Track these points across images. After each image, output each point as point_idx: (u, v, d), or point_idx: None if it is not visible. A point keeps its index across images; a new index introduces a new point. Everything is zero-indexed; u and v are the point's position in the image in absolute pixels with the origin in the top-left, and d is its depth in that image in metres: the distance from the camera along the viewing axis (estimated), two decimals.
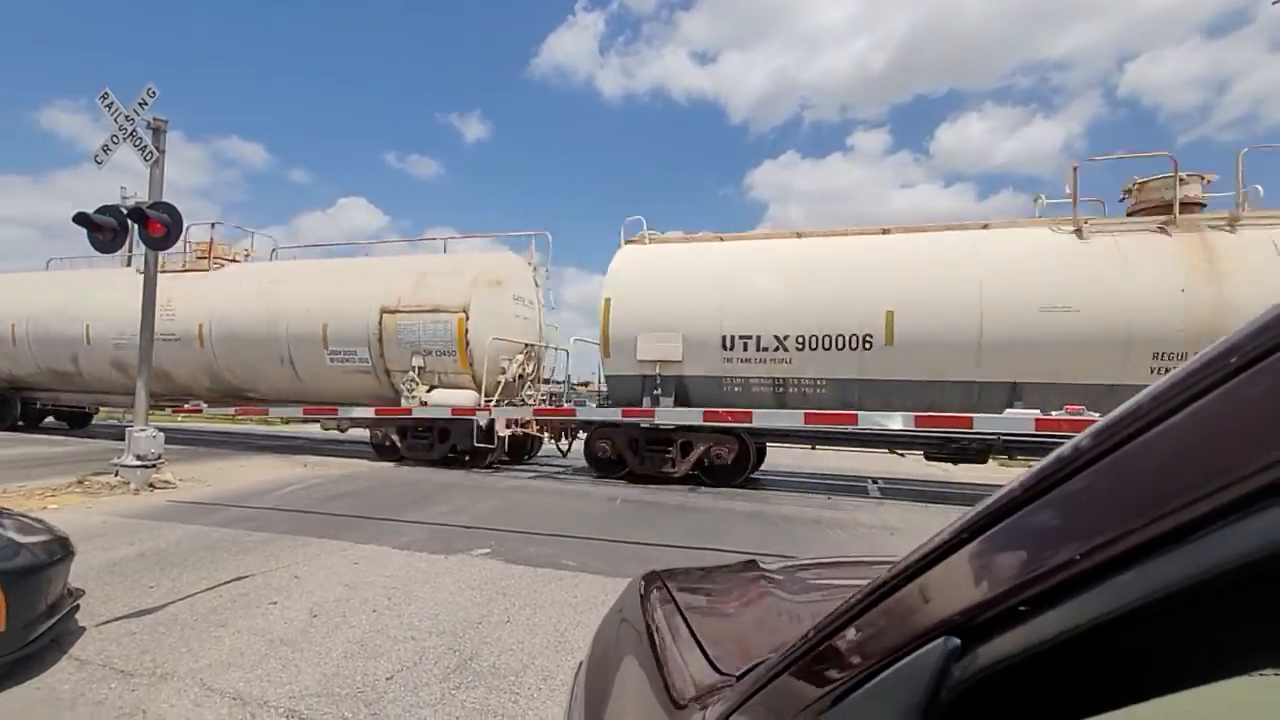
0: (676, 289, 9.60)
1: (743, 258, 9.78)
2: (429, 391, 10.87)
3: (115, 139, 8.17)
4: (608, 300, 9.90)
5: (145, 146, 8.16)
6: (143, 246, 8.63)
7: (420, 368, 10.94)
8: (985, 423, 8.04)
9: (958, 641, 0.44)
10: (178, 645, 3.21)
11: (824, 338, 8.78)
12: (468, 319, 10.66)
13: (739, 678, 0.81)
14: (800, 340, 8.86)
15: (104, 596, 3.82)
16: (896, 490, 9.85)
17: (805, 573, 1.52)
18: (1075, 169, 8.77)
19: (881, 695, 0.50)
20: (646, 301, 9.71)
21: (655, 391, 9.50)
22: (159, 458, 8.02)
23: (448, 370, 10.96)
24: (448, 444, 10.77)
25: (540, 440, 11.67)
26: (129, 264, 13.80)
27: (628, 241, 10.66)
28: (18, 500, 6.35)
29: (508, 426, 10.51)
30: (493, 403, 10.47)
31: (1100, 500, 0.40)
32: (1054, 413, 7.85)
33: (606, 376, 10.36)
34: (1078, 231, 8.37)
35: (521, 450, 11.86)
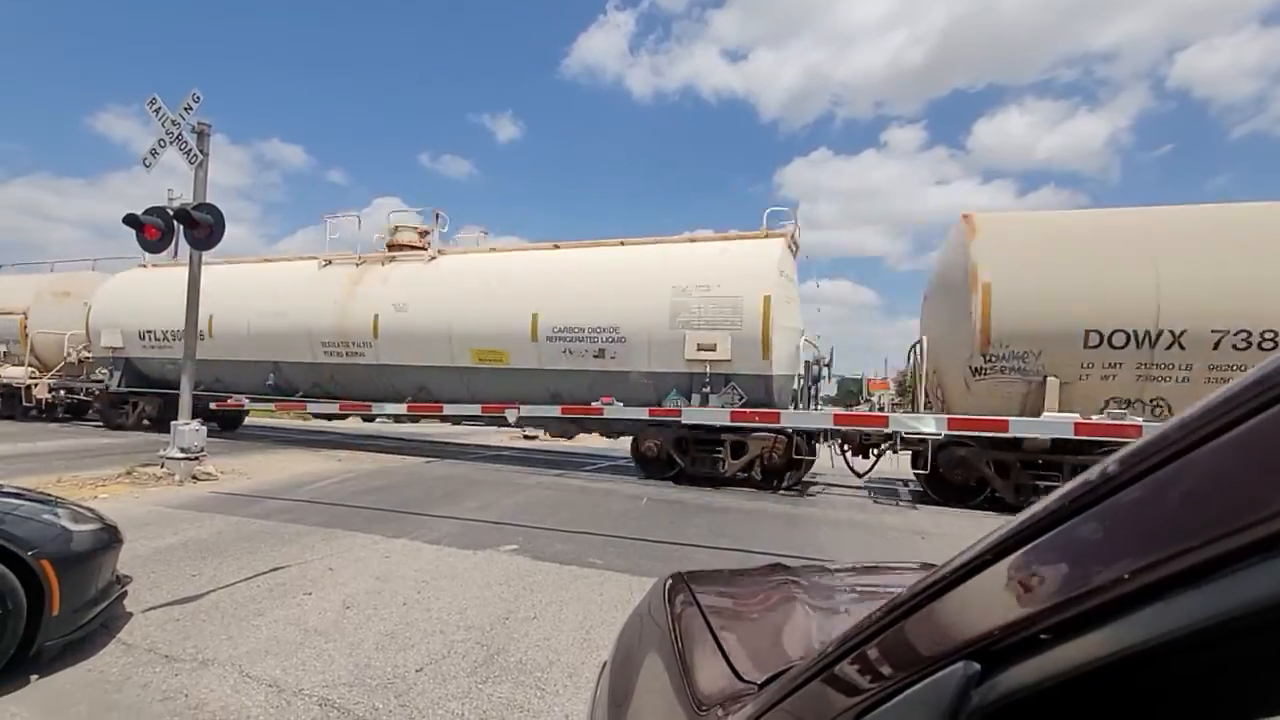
0: None
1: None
2: None
3: (162, 143, 8.48)
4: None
5: (190, 150, 8.45)
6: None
7: None
8: (1021, 425, 7.84)
9: (978, 666, 0.43)
10: (218, 632, 3.32)
11: None
12: None
13: (761, 685, 0.81)
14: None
15: (150, 583, 3.97)
16: (925, 493, 9.66)
17: (831, 577, 1.50)
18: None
19: (901, 716, 0.49)
20: None
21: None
22: (202, 450, 8.31)
23: None
24: None
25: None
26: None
27: None
28: (70, 490, 6.64)
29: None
30: None
31: (1125, 529, 0.39)
32: (1095, 417, 7.63)
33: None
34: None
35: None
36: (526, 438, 17.03)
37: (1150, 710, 0.40)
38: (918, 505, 8.63)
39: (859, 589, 1.42)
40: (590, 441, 14.08)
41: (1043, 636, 0.40)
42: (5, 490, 3.07)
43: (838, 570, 1.60)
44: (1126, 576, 0.36)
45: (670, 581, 1.44)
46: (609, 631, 3.48)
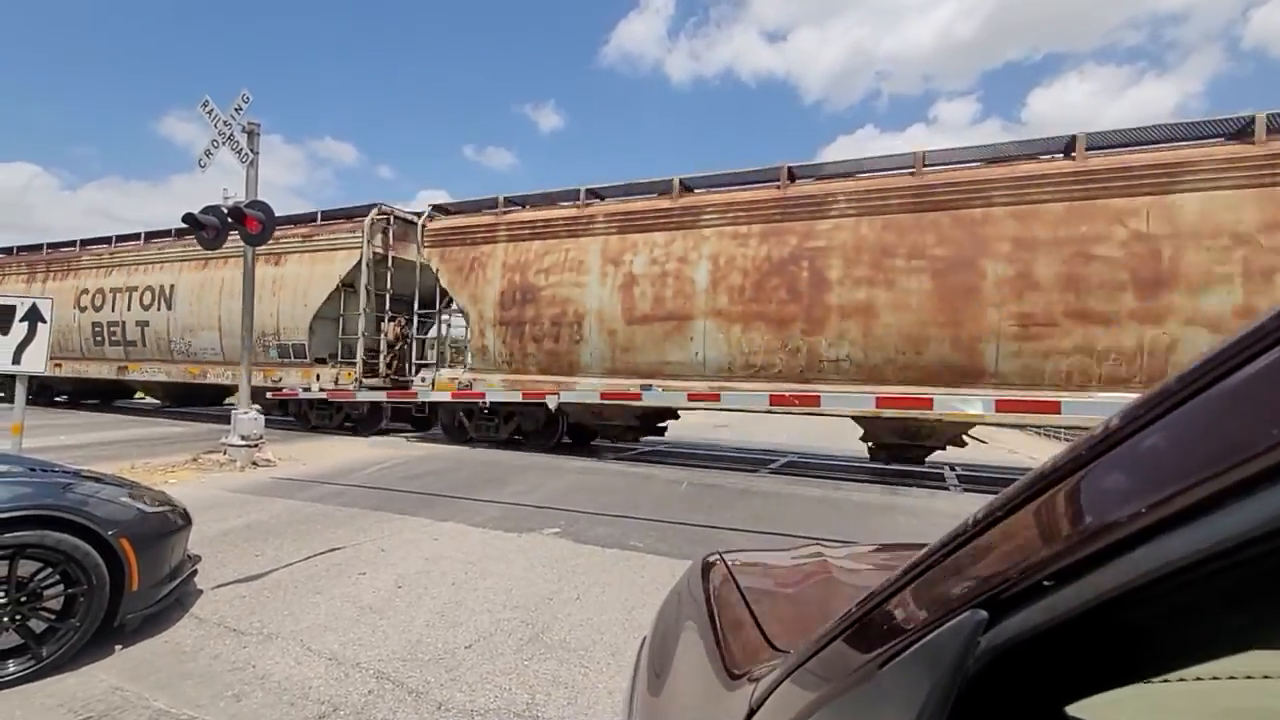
0: None
1: None
2: None
3: (215, 143, 8.84)
4: None
5: (241, 149, 8.79)
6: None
7: None
8: (1075, 406, 7.52)
9: (985, 614, 0.47)
10: (280, 609, 3.51)
11: None
12: None
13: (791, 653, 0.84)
14: None
15: (217, 562, 4.22)
16: (977, 478, 9.43)
17: (869, 557, 1.51)
18: None
19: (914, 665, 0.52)
20: None
21: None
22: (260, 438, 8.71)
23: None
24: None
25: None
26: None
27: None
28: (143, 475, 7.06)
29: None
30: None
31: (1124, 478, 0.41)
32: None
33: None
34: None
35: None
36: None
37: (1143, 642, 0.43)
38: (967, 489, 8.44)
39: (897, 565, 1.42)
40: None
41: (1045, 583, 0.43)
42: (86, 475, 3.30)
43: (875, 549, 1.60)
44: (1121, 520, 0.39)
45: (707, 560, 1.47)
46: (651, 612, 3.53)
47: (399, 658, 2.96)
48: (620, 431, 11.05)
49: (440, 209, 12.09)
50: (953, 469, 10.12)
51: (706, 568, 1.42)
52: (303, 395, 12.59)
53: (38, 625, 2.73)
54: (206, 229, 8.61)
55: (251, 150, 8.87)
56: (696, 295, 9.19)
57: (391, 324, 12.73)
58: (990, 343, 7.71)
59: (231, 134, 8.78)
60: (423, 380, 11.97)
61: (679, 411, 10.63)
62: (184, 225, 8.71)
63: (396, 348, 12.87)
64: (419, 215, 12.23)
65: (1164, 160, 7.17)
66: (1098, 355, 7.33)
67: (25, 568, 2.70)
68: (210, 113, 8.79)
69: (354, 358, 12.44)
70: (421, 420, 12.91)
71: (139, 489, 3.44)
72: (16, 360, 5.46)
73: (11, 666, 2.63)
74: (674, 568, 4.34)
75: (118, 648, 2.96)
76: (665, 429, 11.55)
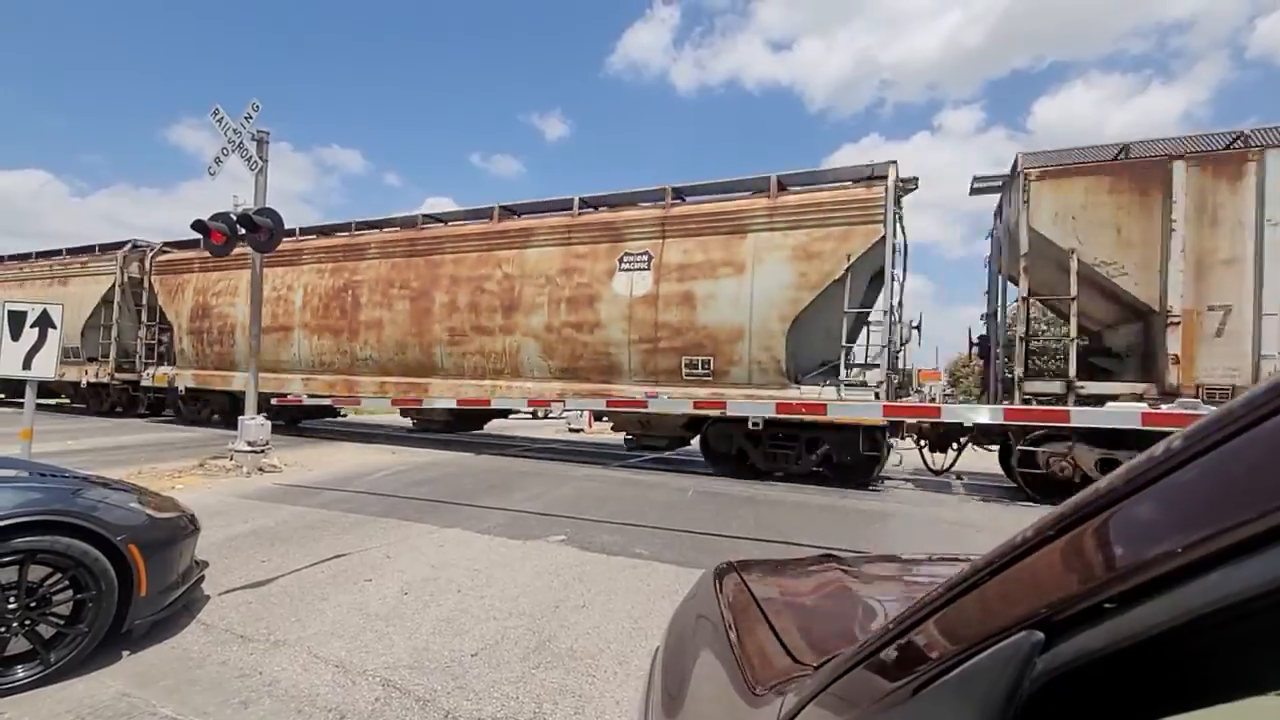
0: None
1: None
2: None
3: (225, 151, 8.91)
4: None
5: (251, 157, 8.86)
6: None
7: None
8: (1082, 416, 7.52)
9: (1041, 635, 0.45)
10: (287, 615, 3.51)
11: None
12: None
13: (817, 667, 0.82)
14: None
15: (224, 568, 4.22)
16: (982, 487, 9.38)
17: (882, 567, 1.49)
18: None
19: (962, 686, 0.50)
20: None
21: None
22: (266, 444, 8.73)
23: None
24: None
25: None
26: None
27: None
28: (150, 480, 7.08)
29: None
30: None
31: (1190, 501, 0.40)
32: (1164, 407, 7.26)
33: None
34: None
35: None
36: (572, 430, 17.25)
37: (1207, 669, 0.42)
38: (970, 498, 8.38)
39: (912, 577, 1.41)
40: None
41: (1106, 605, 0.42)
42: (95, 480, 3.31)
43: (888, 560, 1.59)
44: (1193, 544, 0.38)
45: (721, 569, 1.45)
46: (658, 621, 3.52)
47: (405, 665, 2.95)
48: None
49: (168, 246, 16.48)
50: (959, 478, 10.06)
51: (720, 577, 1.40)
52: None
53: (46, 630, 2.73)
54: (215, 235, 8.67)
55: (261, 158, 8.94)
56: (294, 313, 13.23)
57: (145, 330, 16.21)
58: (437, 347, 11.62)
59: (241, 142, 8.85)
60: (148, 376, 15.82)
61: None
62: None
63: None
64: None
65: (522, 226, 11.19)
66: (487, 355, 11.16)
67: (34, 573, 2.70)
68: (221, 121, 8.87)
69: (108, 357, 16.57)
70: (158, 405, 16.39)
71: (147, 494, 3.45)
72: (27, 365, 5.50)
73: (20, 672, 2.63)
74: (680, 576, 4.32)
75: (125, 653, 2.96)
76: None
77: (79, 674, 2.74)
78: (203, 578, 3.60)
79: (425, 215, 12.66)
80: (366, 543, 5.01)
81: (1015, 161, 8.53)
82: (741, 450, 9.51)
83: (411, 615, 3.56)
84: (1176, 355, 7.50)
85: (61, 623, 2.76)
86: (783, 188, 9.42)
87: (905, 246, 9.39)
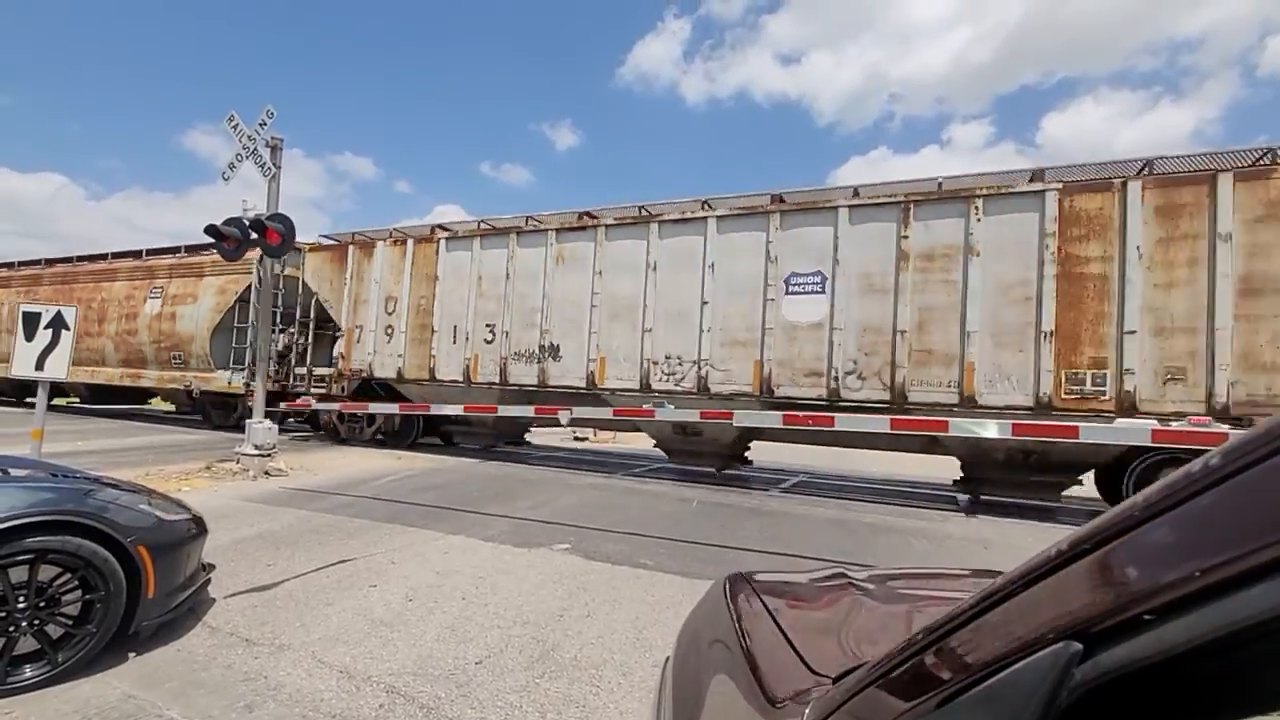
0: None
1: None
2: None
3: (239, 157, 9.02)
4: None
5: (264, 163, 8.96)
6: None
7: None
8: (1091, 433, 7.47)
9: (1079, 646, 0.46)
10: (292, 620, 3.52)
11: None
12: None
13: (836, 679, 0.82)
14: None
15: (230, 572, 4.23)
16: (988, 503, 9.30)
17: (894, 582, 1.49)
18: None
19: (998, 695, 0.51)
20: None
21: None
22: (273, 448, 8.77)
23: None
24: None
25: None
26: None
27: None
28: (158, 482, 7.11)
29: None
30: None
31: (1229, 517, 0.41)
32: (1173, 424, 7.20)
33: None
34: None
35: None
36: (577, 439, 17.24)
37: (1245, 684, 0.42)
38: (977, 514, 8.32)
39: (926, 591, 1.41)
40: (638, 443, 14.13)
41: (1146, 617, 0.42)
42: (105, 481, 3.34)
43: (901, 574, 1.58)
44: (1235, 558, 0.38)
45: (731, 581, 1.45)
46: (662, 631, 3.51)
47: (410, 672, 2.95)
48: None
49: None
50: (965, 494, 9.97)
51: (731, 588, 1.40)
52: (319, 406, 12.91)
53: (55, 631, 2.75)
54: (227, 240, 8.75)
55: (274, 164, 9.04)
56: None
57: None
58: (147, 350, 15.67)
59: (255, 148, 8.96)
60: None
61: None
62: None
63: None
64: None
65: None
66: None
67: (44, 573, 2.72)
68: (235, 128, 8.98)
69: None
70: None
71: (156, 496, 3.47)
72: (40, 366, 5.55)
73: (29, 671, 2.65)
74: (685, 586, 4.30)
75: (132, 655, 2.97)
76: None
77: (86, 675, 2.75)
78: (209, 580, 3.61)
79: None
80: (371, 548, 5.01)
81: None
82: None
83: (416, 622, 3.55)
84: None
85: (70, 623, 2.78)
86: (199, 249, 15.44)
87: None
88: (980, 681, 0.52)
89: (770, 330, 9.06)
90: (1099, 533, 0.49)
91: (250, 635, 3.29)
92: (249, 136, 8.94)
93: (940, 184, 8.71)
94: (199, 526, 3.47)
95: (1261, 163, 7.51)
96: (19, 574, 2.65)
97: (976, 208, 8.09)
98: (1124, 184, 7.58)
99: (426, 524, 5.95)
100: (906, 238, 8.40)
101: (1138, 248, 7.42)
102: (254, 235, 8.73)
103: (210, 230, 8.70)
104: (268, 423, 8.83)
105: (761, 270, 9.16)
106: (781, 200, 9.48)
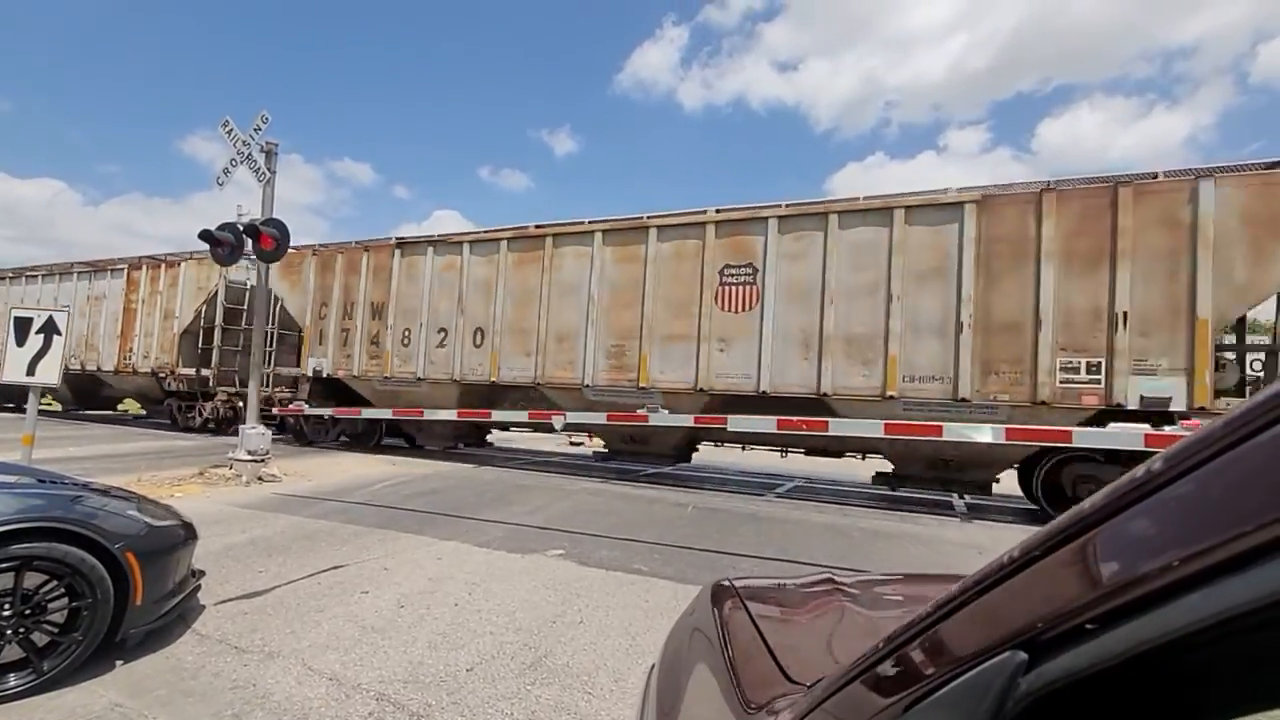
0: None
1: None
2: None
3: (234, 162, 9.01)
4: None
5: (259, 168, 8.95)
6: None
7: None
8: (1085, 437, 7.49)
9: (1025, 656, 0.45)
10: (282, 627, 3.49)
11: None
12: None
13: (810, 686, 0.81)
14: None
15: (220, 578, 4.20)
16: (986, 507, 9.31)
17: (881, 587, 1.48)
18: None
19: (949, 705, 0.50)
20: None
21: None
22: (267, 453, 8.73)
23: None
24: None
25: None
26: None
27: None
28: (149, 488, 7.07)
29: None
30: None
31: (1171, 522, 0.41)
32: (1167, 428, 7.23)
33: None
34: None
35: None
36: (572, 444, 17.20)
37: (1189, 691, 0.42)
38: (973, 519, 8.32)
39: (910, 596, 1.40)
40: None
41: (1088, 626, 0.42)
42: (94, 487, 3.31)
43: (888, 580, 1.58)
44: (1173, 565, 0.38)
45: (717, 588, 1.45)
46: (655, 638, 3.49)
47: (400, 679, 2.93)
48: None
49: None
50: (961, 498, 9.98)
51: (717, 594, 1.40)
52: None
53: (40, 638, 2.72)
54: (222, 245, 8.73)
55: (269, 169, 9.03)
56: None
57: None
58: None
59: (250, 153, 8.95)
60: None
61: None
62: None
63: None
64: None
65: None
66: None
67: (30, 580, 2.69)
68: (230, 133, 8.98)
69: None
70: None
71: (146, 502, 3.44)
72: (31, 372, 5.52)
73: (13, 680, 2.62)
74: (679, 592, 4.29)
75: (119, 663, 2.94)
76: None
77: (71, 683, 2.72)
78: (199, 587, 3.58)
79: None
80: (364, 554, 4.98)
81: None
82: None
83: (407, 628, 3.53)
84: None
85: (56, 631, 2.75)
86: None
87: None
88: (939, 688, 0.52)
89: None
90: (1050, 539, 0.48)
91: (240, 643, 3.26)
92: (243, 141, 8.94)
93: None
94: (188, 533, 3.44)
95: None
96: (4, 581, 2.62)
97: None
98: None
99: (420, 530, 5.92)
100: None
101: None
102: (248, 240, 8.72)
103: (204, 235, 8.68)
104: (261, 428, 8.79)
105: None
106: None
